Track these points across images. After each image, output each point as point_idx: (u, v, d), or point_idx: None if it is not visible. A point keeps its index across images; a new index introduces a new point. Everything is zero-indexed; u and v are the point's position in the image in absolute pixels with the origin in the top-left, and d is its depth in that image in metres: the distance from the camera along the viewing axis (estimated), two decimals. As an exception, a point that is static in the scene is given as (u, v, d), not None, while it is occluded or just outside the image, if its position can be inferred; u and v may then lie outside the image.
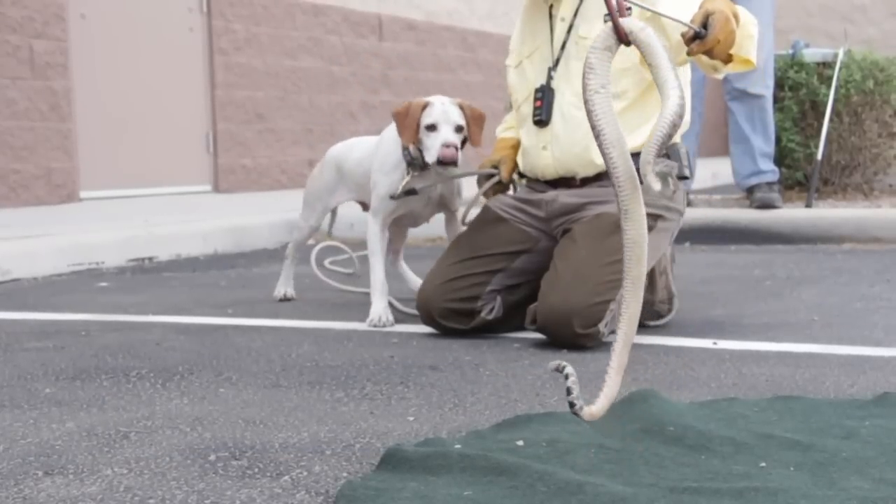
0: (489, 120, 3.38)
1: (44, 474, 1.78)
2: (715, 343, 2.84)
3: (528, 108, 3.12)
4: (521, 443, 1.86)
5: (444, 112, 3.08)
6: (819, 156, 5.98)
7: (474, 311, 2.97)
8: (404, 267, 3.83)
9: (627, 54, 2.96)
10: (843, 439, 1.86)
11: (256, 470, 1.79)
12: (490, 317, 2.98)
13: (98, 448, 1.93)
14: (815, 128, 6.27)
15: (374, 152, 3.31)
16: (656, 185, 1.97)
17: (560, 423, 1.99)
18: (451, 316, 2.98)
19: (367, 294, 3.55)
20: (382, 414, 2.15)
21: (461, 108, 3.13)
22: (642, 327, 3.08)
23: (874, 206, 5.79)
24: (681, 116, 1.86)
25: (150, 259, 5.03)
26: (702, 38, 2.50)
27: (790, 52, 6.50)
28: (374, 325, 3.13)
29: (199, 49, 7.99)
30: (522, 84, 3.16)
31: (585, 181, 3.03)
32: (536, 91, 3.08)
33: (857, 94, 6.28)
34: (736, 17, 2.57)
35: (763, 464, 1.75)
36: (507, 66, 3.28)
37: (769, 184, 5.77)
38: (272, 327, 3.20)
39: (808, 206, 5.71)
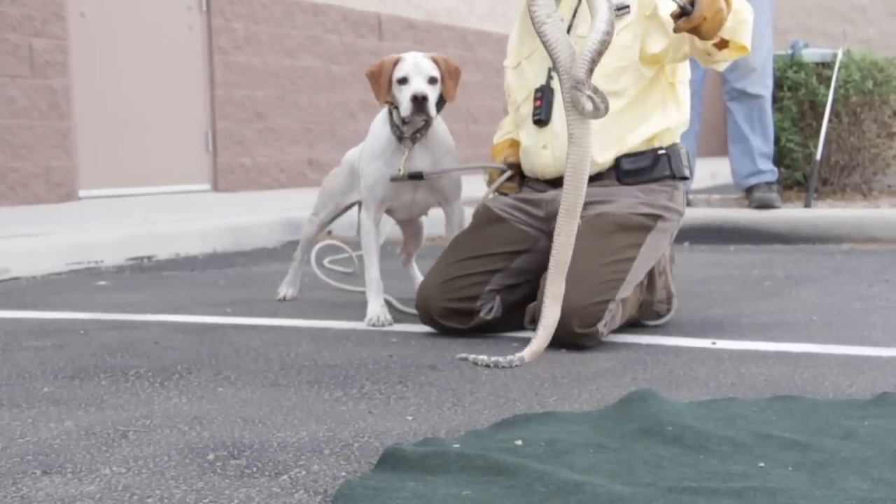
0: (489, 121, 3.38)
1: (42, 473, 1.78)
2: (714, 343, 2.84)
3: (527, 109, 3.11)
4: (519, 442, 1.86)
5: (415, 65, 3.04)
6: (818, 156, 5.98)
7: (473, 311, 2.97)
8: (415, 269, 3.81)
9: (626, 52, 2.97)
10: (842, 439, 1.86)
11: (255, 469, 1.79)
12: (489, 317, 2.98)
13: (96, 447, 1.93)
14: (814, 128, 6.27)
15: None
16: (588, 105, 2.08)
17: (559, 423, 1.99)
18: (451, 315, 2.98)
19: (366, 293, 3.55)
20: (381, 413, 2.15)
21: (435, 61, 3.08)
22: (641, 327, 3.08)
23: (873, 207, 5.79)
24: (609, 34, 1.96)
25: (149, 258, 5.03)
26: (688, 15, 2.56)
27: (789, 52, 6.51)
28: (373, 325, 3.11)
29: (198, 48, 7.99)
30: (521, 84, 3.16)
31: (585, 181, 3.03)
32: (536, 91, 3.08)
33: (856, 94, 6.28)
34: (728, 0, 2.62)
35: (762, 464, 1.75)
36: (505, 67, 3.28)
37: (768, 184, 5.77)
38: (271, 326, 3.20)
39: (807, 206, 5.71)
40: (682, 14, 2.61)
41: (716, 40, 2.74)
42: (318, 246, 4.30)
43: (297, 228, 5.93)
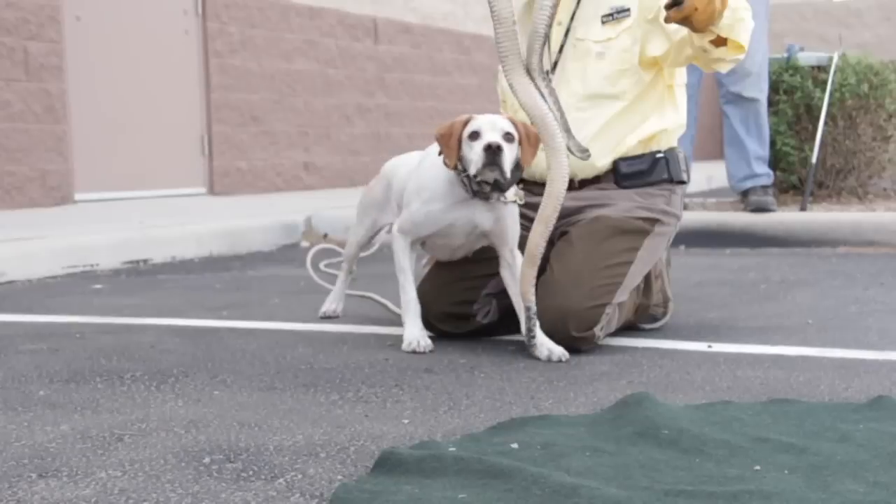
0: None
1: (38, 477, 1.78)
2: (710, 346, 2.84)
3: (524, 113, 3.11)
4: (515, 446, 1.86)
5: (490, 122, 2.74)
6: (814, 159, 5.99)
7: (470, 315, 2.97)
8: None
9: (626, 55, 2.98)
10: (838, 443, 1.86)
11: (251, 472, 1.79)
12: (486, 321, 2.98)
13: (92, 450, 1.93)
14: (809, 131, 6.28)
15: (416, 169, 2.97)
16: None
17: (555, 427, 1.99)
18: (447, 319, 2.98)
19: (362, 296, 3.55)
20: (377, 416, 2.15)
21: (513, 122, 2.77)
22: (638, 330, 3.08)
23: (868, 210, 5.80)
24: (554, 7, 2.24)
25: (145, 261, 5.02)
26: (679, 5, 2.58)
27: (785, 55, 6.52)
28: (413, 351, 2.81)
29: (194, 51, 7.98)
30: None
31: (584, 183, 3.03)
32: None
33: (852, 97, 6.29)
34: None
35: (758, 467, 1.75)
36: (500, 70, 3.27)
37: (764, 187, 5.78)
38: (267, 330, 3.20)
39: (803, 209, 5.72)
40: (673, 4, 2.62)
41: (711, 36, 2.74)
42: (314, 249, 4.30)
43: (292, 232, 5.94)
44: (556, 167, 2.53)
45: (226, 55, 8.15)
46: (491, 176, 2.70)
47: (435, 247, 3.00)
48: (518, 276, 2.78)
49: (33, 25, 6.74)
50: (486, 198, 2.78)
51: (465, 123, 2.75)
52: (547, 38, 2.24)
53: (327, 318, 3.41)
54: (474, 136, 2.72)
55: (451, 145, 2.74)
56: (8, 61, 6.62)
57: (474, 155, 2.69)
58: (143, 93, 7.55)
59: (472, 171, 2.71)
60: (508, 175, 2.70)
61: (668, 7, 2.64)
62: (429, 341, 2.84)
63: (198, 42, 8.01)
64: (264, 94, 8.53)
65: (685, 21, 2.64)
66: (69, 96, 7.00)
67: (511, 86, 2.39)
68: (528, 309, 2.48)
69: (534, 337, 2.69)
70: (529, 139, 2.75)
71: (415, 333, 2.85)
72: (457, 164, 2.75)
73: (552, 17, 2.25)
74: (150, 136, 7.61)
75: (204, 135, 8.07)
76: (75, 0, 7.09)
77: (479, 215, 2.82)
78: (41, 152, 6.81)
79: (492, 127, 2.72)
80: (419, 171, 2.94)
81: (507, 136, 2.72)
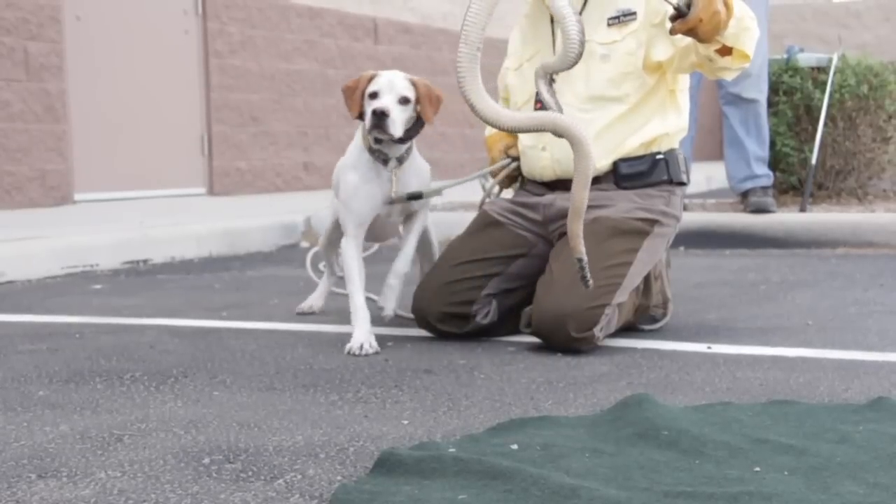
0: (484, 125, 3.35)
1: (37, 477, 1.78)
2: (709, 347, 2.84)
3: (528, 111, 3.11)
4: (515, 447, 1.86)
5: (389, 83, 2.93)
6: (813, 160, 5.98)
7: (470, 316, 2.97)
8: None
9: (630, 59, 2.97)
10: (838, 444, 1.86)
11: (250, 473, 1.79)
12: (485, 321, 2.98)
13: (91, 451, 1.93)
14: (809, 132, 6.28)
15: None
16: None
17: (554, 427, 1.99)
18: (447, 320, 2.98)
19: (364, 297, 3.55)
20: (377, 417, 2.15)
21: (413, 82, 2.96)
22: (637, 331, 3.08)
23: (868, 211, 5.80)
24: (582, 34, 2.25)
25: (145, 261, 5.02)
26: (684, 17, 2.59)
27: (785, 56, 6.51)
28: (356, 354, 2.82)
29: (194, 51, 7.98)
30: (523, 86, 3.15)
31: (582, 184, 3.03)
32: (537, 93, 3.08)
33: (852, 98, 6.29)
34: (728, 5, 2.64)
35: (757, 468, 1.75)
36: (505, 68, 3.28)
37: (763, 188, 5.77)
38: (266, 330, 3.20)
39: (803, 210, 5.72)
40: (678, 16, 2.62)
41: (717, 46, 2.74)
42: (313, 250, 4.30)
43: (292, 232, 5.94)
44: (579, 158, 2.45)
45: (226, 55, 8.15)
46: (378, 136, 2.92)
47: (367, 234, 3.15)
48: (410, 241, 3.10)
49: (33, 25, 6.74)
50: (384, 163, 2.99)
51: (370, 80, 2.96)
52: (582, 35, 2.29)
53: (303, 314, 3.48)
54: (374, 95, 2.93)
55: (353, 98, 2.97)
56: (8, 61, 6.61)
57: (368, 115, 2.92)
58: (143, 93, 7.55)
59: (367, 126, 2.93)
60: (396, 136, 2.89)
61: (673, 19, 2.64)
62: (375, 345, 2.86)
63: (198, 42, 8.01)
64: (264, 95, 8.53)
65: (690, 32, 2.65)
66: (69, 96, 7.00)
67: (472, 106, 2.37)
68: (579, 261, 2.44)
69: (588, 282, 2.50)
70: (431, 98, 2.97)
71: (361, 337, 2.86)
72: (360, 115, 2.96)
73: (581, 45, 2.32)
74: (150, 136, 7.61)
75: (203, 135, 8.07)
76: (75, 0, 7.09)
77: (386, 182, 3.01)
78: (41, 152, 6.81)
79: (390, 89, 2.93)
80: (342, 166, 3.14)
81: (403, 99, 2.92)
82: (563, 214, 3.03)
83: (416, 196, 3.05)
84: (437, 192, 3.14)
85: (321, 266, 4.48)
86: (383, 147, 2.99)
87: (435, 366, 2.65)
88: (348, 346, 2.85)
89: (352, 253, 3.01)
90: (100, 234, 4.99)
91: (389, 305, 3.05)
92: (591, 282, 2.42)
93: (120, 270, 4.79)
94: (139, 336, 3.11)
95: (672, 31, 2.68)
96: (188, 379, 2.53)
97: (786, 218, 5.53)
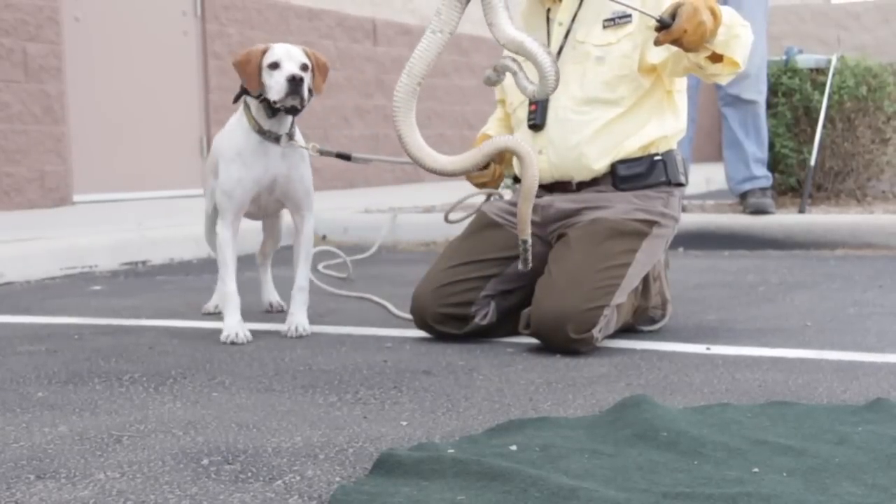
0: (483, 126, 3.36)
1: (36, 478, 1.78)
2: (708, 348, 2.84)
3: (523, 113, 3.12)
4: (514, 448, 1.86)
5: (286, 52, 2.96)
6: (812, 161, 5.99)
7: (468, 317, 2.97)
8: (269, 273, 3.67)
9: (626, 61, 2.98)
10: (836, 445, 1.86)
11: (249, 474, 1.79)
12: (484, 322, 2.98)
13: (90, 452, 1.93)
14: (808, 134, 6.28)
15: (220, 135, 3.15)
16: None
17: (553, 429, 1.99)
18: (445, 321, 2.98)
19: (363, 298, 3.55)
20: (375, 418, 2.15)
21: (306, 52, 3.00)
22: (636, 332, 3.08)
23: (867, 212, 5.80)
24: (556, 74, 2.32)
25: (144, 263, 5.02)
26: (668, 28, 2.60)
27: (783, 58, 6.52)
28: (232, 342, 2.94)
29: (193, 53, 7.99)
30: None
31: (581, 185, 3.04)
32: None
33: (851, 100, 6.29)
34: (715, 13, 2.64)
35: (756, 469, 1.75)
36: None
37: (762, 189, 5.78)
38: (265, 331, 3.20)
39: (802, 211, 5.72)
40: (663, 27, 2.63)
41: (707, 53, 2.74)
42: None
43: (290, 234, 5.93)
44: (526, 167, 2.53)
45: (225, 56, 8.15)
46: (291, 102, 2.92)
47: (248, 213, 3.21)
48: (304, 243, 3.21)
49: (32, 26, 6.74)
50: (276, 140, 3.00)
51: (264, 53, 2.96)
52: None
53: (209, 314, 3.49)
54: (274, 65, 2.93)
55: (249, 72, 2.94)
56: (7, 62, 6.61)
57: (275, 83, 2.91)
58: (142, 94, 7.55)
59: (274, 97, 2.91)
60: (306, 102, 2.94)
61: (658, 29, 2.65)
62: (248, 333, 2.96)
63: (197, 43, 8.01)
64: (263, 96, 8.53)
65: (676, 43, 2.65)
66: (68, 97, 7.00)
67: (400, 136, 2.40)
68: (524, 242, 2.51)
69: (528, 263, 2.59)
70: (321, 68, 3.03)
71: (233, 325, 2.98)
72: (260, 89, 2.94)
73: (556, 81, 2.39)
74: (149, 137, 7.61)
75: (203, 136, 8.06)
76: (74, 1, 7.09)
77: (274, 163, 3.02)
78: (40, 153, 6.81)
79: (289, 57, 2.95)
80: (220, 135, 3.13)
81: (303, 67, 2.96)
82: (560, 216, 3.04)
83: (344, 157, 3.18)
84: (366, 160, 3.23)
85: (320, 267, 4.48)
86: (273, 126, 3.00)
87: (434, 367, 2.65)
88: (223, 335, 2.97)
89: (228, 238, 3.12)
90: (99, 235, 4.99)
91: (301, 319, 3.11)
92: (530, 264, 2.51)
93: (119, 271, 4.79)
94: (138, 337, 3.11)
95: (657, 42, 2.69)
96: (187, 380, 2.53)
97: (785, 219, 5.53)
